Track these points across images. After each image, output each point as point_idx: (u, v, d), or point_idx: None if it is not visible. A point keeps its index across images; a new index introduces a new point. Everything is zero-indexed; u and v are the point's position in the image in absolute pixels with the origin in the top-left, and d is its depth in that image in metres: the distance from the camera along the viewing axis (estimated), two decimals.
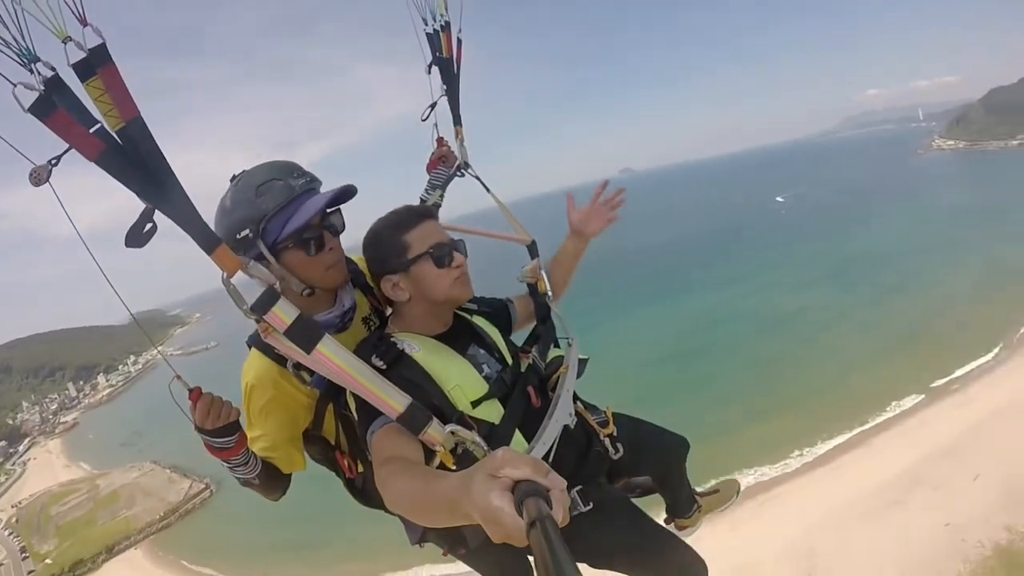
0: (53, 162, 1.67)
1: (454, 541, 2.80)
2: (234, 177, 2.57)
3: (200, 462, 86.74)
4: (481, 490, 1.17)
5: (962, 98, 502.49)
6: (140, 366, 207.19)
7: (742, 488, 4.65)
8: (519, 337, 3.21)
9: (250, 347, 2.78)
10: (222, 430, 2.46)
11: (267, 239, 2.51)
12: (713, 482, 4.43)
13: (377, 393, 2.11)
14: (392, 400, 2.11)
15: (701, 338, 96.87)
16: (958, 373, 76.46)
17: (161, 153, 1.78)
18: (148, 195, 1.81)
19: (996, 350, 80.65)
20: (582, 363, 3.02)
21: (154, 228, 1.89)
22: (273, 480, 2.83)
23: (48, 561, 77.51)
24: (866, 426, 67.99)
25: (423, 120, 3.47)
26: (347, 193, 2.65)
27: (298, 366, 2.49)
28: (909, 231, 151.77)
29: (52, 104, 1.63)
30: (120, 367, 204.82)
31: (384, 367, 2.32)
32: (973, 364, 77.87)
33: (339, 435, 2.93)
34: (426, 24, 3.27)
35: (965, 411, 67.12)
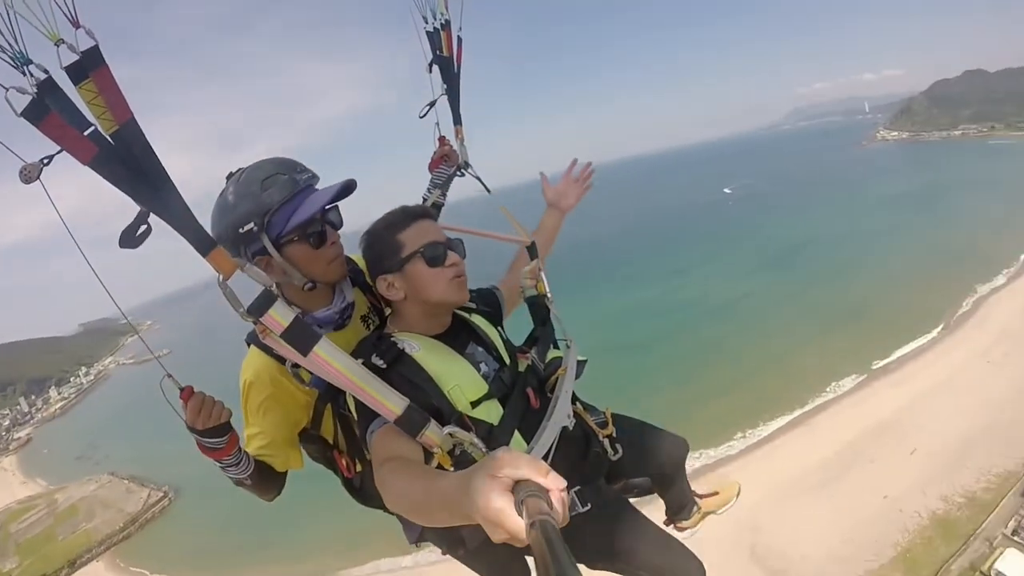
0: (45, 161, 1.67)
1: (452, 541, 2.80)
2: (231, 174, 2.59)
3: (157, 471, 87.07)
4: (481, 490, 1.17)
5: (907, 90, 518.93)
6: (92, 377, 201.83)
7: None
8: (517, 336, 3.21)
9: (248, 345, 2.79)
10: (214, 430, 2.46)
11: (271, 232, 2.53)
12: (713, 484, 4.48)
13: (374, 396, 2.12)
14: (390, 403, 2.12)
15: (647, 326, 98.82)
16: (896, 353, 79.94)
17: (155, 156, 1.80)
18: (142, 198, 1.81)
19: (933, 331, 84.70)
20: (580, 365, 3.07)
21: (148, 230, 1.89)
22: (267, 480, 2.82)
23: None
24: (807, 407, 70.59)
25: (421, 117, 3.48)
26: (349, 188, 2.67)
27: (296, 365, 2.49)
28: (850, 219, 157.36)
29: (45, 108, 1.63)
30: (72, 379, 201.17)
31: (384, 366, 2.34)
32: (911, 344, 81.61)
33: (337, 434, 2.93)
34: (426, 22, 3.29)
35: (902, 389, 70.43)
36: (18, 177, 1.64)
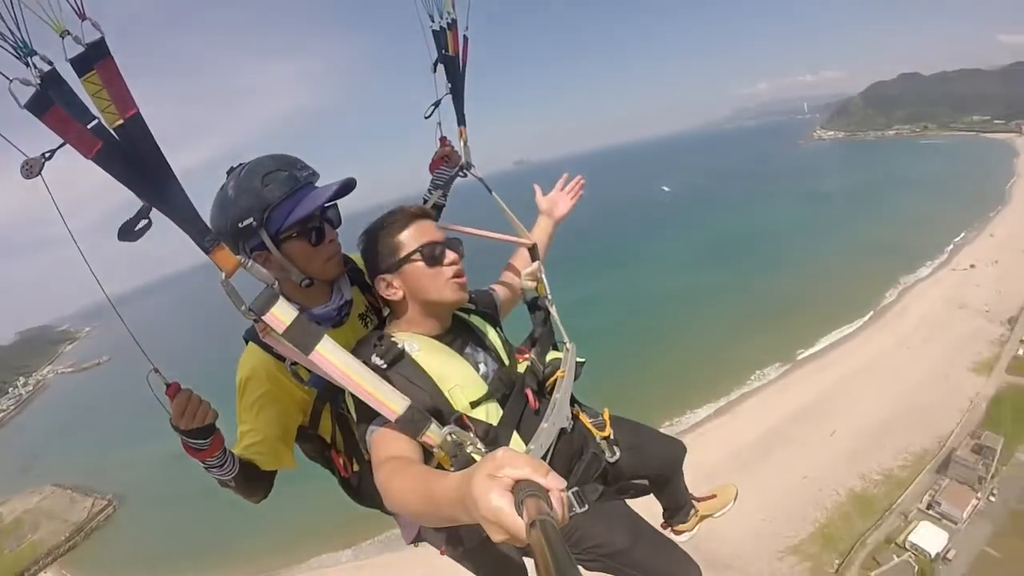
0: (47, 155, 1.70)
1: (450, 540, 2.83)
2: (232, 169, 2.65)
3: (100, 480, 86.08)
4: (481, 490, 1.19)
5: (845, 92, 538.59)
6: (31, 387, 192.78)
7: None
8: (517, 336, 3.24)
9: (247, 341, 2.82)
10: (199, 431, 2.44)
11: (270, 228, 2.58)
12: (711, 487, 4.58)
13: (376, 395, 2.13)
14: (391, 402, 2.13)
15: (585, 320, 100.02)
16: (821, 342, 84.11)
17: (160, 151, 1.82)
18: (146, 194, 1.84)
19: (857, 320, 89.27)
20: (579, 366, 3.12)
21: (149, 225, 1.91)
22: (253, 481, 2.78)
23: None
24: (732, 395, 73.60)
25: (426, 118, 3.49)
26: (348, 187, 2.70)
27: (295, 364, 2.55)
28: (785, 214, 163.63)
29: (49, 100, 1.64)
30: (10, 390, 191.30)
31: (384, 366, 2.36)
32: (835, 334, 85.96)
33: (335, 434, 2.93)
34: (432, 21, 3.29)
35: (825, 375, 74.19)
36: (20, 171, 1.70)
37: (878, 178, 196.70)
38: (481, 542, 2.67)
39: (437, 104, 3.43)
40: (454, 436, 2.16)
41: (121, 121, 1.73)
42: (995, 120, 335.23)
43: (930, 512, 51.94)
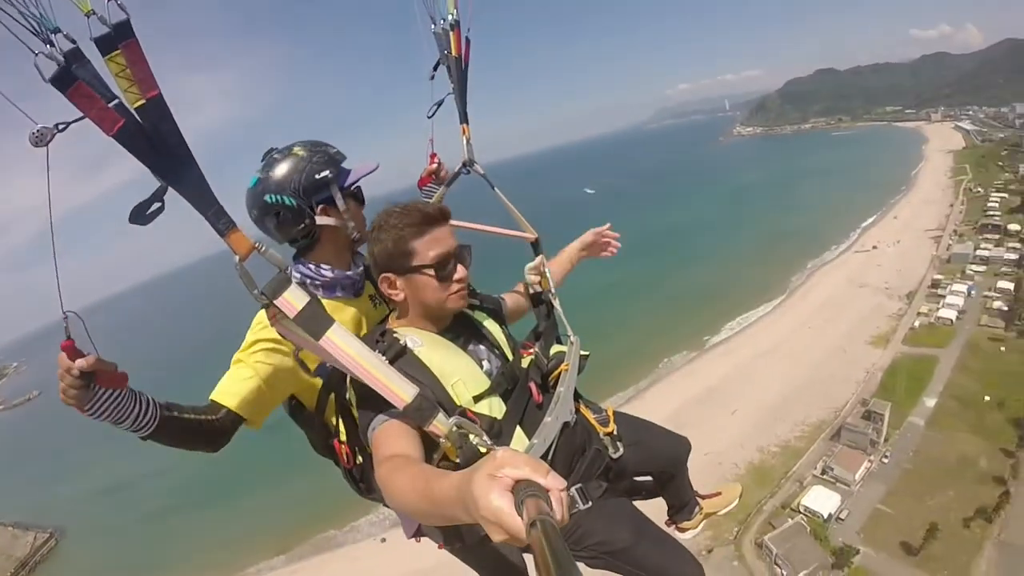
0: (60, 127, 1.71)
1: (450, 535, 2.82)
2: (271, 150, 2.87)
3: (39, 515, 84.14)
4: (481, 490, 1.20)
5: (765, 89, 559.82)
6: None
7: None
8: (520, 333, 3.24)
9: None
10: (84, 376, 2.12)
11: (340, 183, 2.87)
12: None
13: (385, 382, 2.14)
14: (400, 390, 2.14)
15: None
16: (728, 327, 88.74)
17: (180, 133, 1.87)
18: (165, 173, 1.87)
19: (764, 305, 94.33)
20: (583, 360, 3.13)
21: (161, 209, 1.94)
22: (192, 434, 2.54)
23: None
24: (640, 384, 76.75)
25: (429, 117, 3.55)
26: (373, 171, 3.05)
27: (301, 351, 2.63)
28: (702, 209, 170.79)
29: (73, 76, 1.67)
30: None
31: (389, 360, 2.34)
32: (742, 319, 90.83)
33: (339, 424, 2.93)
34: (434, 23, 3.39)
35: (729, 359, 78.22)
36: (28, 139, 1.70)
37: (791, 170, 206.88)
38: (482, 538, 2.57)
39: (439, 104, 3.53)
40: (460, 427, 2.19)
41: (143, 101, 1.80)
42: (906, 110, 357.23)
43: (824, 477, 55.59)
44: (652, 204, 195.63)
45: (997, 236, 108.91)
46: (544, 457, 2.45)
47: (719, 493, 4.25)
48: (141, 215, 1.91)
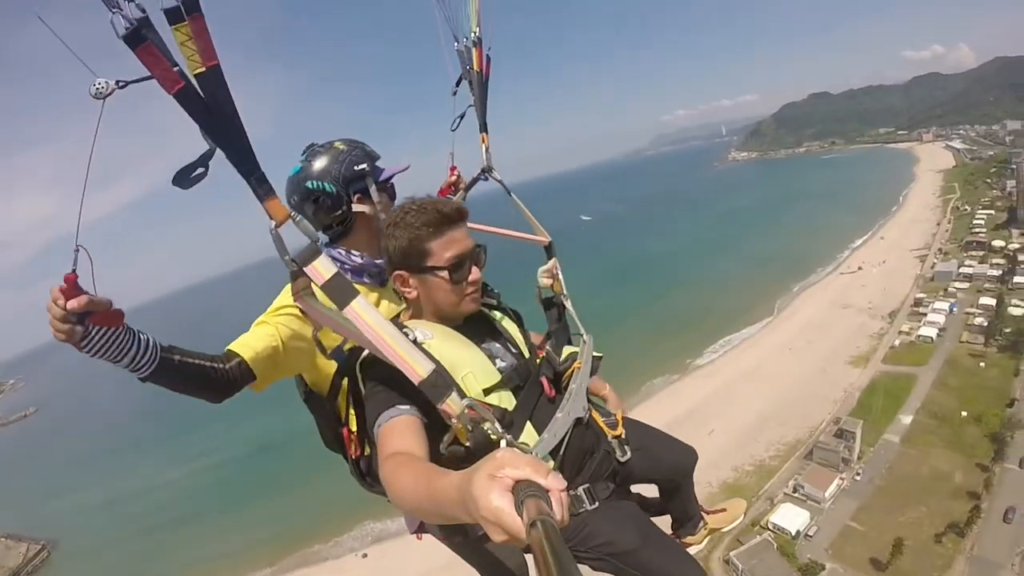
0: (120, 83, 1.82)
1: (453, 531, 2.83)
2: (312, 144, 3.11)
3: (32, 526, 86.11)
4: (481, 490, 1.20)
5: (761, 114, 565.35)
6: None
7: None
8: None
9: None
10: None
11: (375, 177, 3.09)
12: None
13: (403, 356, 2.14)
14: (417, 364, 2.13)
15: None
16: (711, 350, 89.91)
17: (233, 102, 1.95)
18: (216, 136, 1.97)
19: (748, 328, 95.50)
20: (596, 360, 3.14)
21: (204, 175, 2.06)
22: (196, 379, 2.53)
23: None
24: (635, 408, 75.82)
25: (453, 130, 3.69)
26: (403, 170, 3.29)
27: (319, 331, 2.68)
28: (692, 234, 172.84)
29: (143, 36, 1.76)
30: None
31: None
32: (725, 341, 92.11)
33: (349, 412, 2.94)
34: (457, 41, 3.56)
35: (710, 381, 79.18)
36: (88, 90, 1.77)
37: (782, 193, 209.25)
38: (482, 536, 2.60)
39: (462, 116, 3.66)
40: (472, 410, 2.17)
41: (203, 69, 1.87)
42: (899, 131, 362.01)
43: (795, 495, 56.38)
44: (644, 230, 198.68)
45: (981, 253, 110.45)
46: (555, 453, 2.50)
47: (724, 509, 4.16)
48: (184, 178, 2.05)
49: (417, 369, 2.11)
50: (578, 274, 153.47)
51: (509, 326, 2.90)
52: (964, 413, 63.71)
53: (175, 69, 1.83)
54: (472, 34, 3.56)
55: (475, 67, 3.59)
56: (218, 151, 2.00)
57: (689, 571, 2.81)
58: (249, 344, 2.68)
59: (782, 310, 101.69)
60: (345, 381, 2.87)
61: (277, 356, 2.74)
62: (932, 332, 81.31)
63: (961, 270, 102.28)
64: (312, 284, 2.27)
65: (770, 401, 71.18)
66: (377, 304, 3.00)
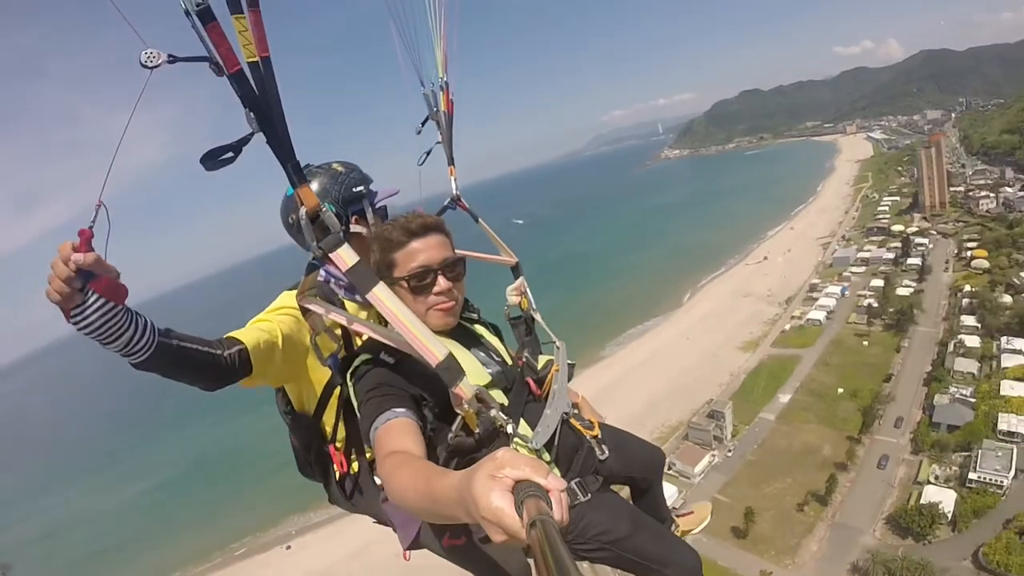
0: (171, 58, 1.86)
1: (455, 532, 2.77)
2: (308, 165, 3.06)
3: None
4: (482, 490, 1.20)
5: (696, 112, 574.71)
6: None
7: None
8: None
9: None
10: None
11: (370, 199, 3.17)
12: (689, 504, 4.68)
13: (422, 339, 2.21)
14: (434, 348, 2.21)
15: None
16: (612, 343, 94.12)
17: (278, 92, 2.09)
18: (261, 121, 2.04)
19: (650, 320, 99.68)
20: (570, 367, 3.21)
21: (232, 159, 2.12)
22: (192, 366, 2.38)
23: None
24: None
25: (420, 165, 3.84)
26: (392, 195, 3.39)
27: (316, 337, 2.70)
28: (610, 232, 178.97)
29: (212, 16, 1.87)
30: None
31: (392, 362, 2.43)
32: (625, 334, 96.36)
33: (337, 426, 2.97)
34: (423, 85, 3.70)
35: (607, 371, 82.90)
36: (139, 58, 1.81)
37: (706, 189, 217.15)
38: (483, 539, 2.64)
39: (428, 153, 3.79)
40: (480, 398, 2.26)
41: (256, 59, 2.02)
42: (825, 124, 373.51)
43: (669, 472, 58.09)
44: (569, 230, 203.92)
45: (881, 238, 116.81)
46: (549, 446, 2.55)
47: (692, 512, 4.30)
48: (212, 159, 2.07)
49: (435, 352, 2.21)
50: (504, 277, 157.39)
51: (491, 338, 3.01)
52: (840, 390, 67.76)
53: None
54: (439, 78, 3.78)
55: (443, 108, 3.81)
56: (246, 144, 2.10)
57: (682, 553, 2.96)
58: (249, 335, 2.62)
59: (688, 301, 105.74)
60: (336, 393, 2.96)
61: (275, 352, 2.71)
62: (821, 315, 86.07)
63: (859, 255, 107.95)
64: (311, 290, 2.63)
65: (661, 387, 74.78)
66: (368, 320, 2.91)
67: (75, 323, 1.96)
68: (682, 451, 61.87)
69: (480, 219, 3.79)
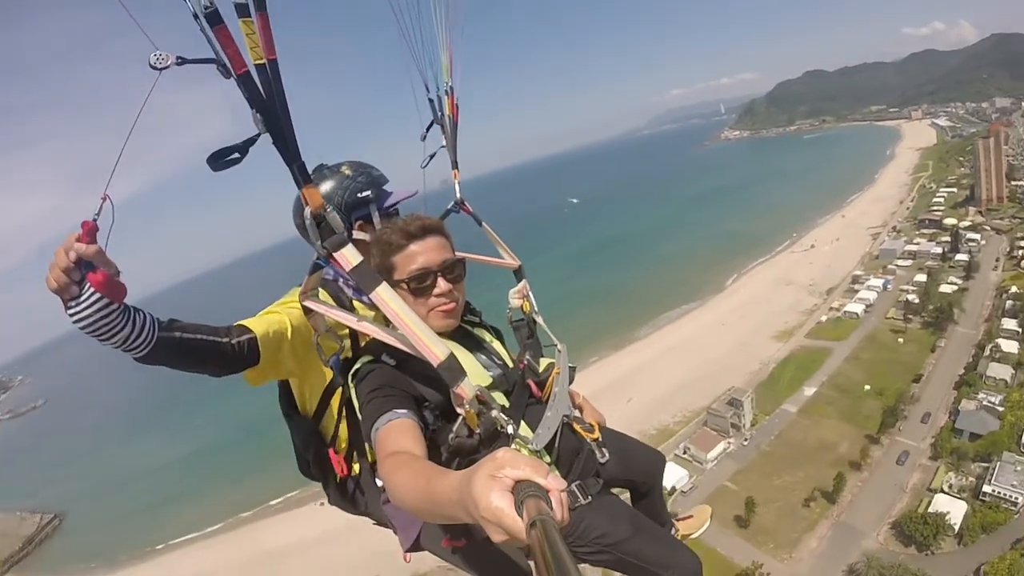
0: (179, 60, 1.87)
1: (456, 532, 2.72)
2: (322, 166, 3.14)
3: (46, 501, 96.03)
4: (482, 490, 1.20)
5: (758, 92, 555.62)
6: None
7: None
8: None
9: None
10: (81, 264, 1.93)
11: (380, 203, 3.16)
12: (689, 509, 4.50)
13: (424, 339, 2.18)
14: (436, 347, 2.18)
15: None
16: (649, 326, 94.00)
17: (285, 94, 2.07)
18: (268, 122, 2.04)
19: (692, 303, 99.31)
20: (571, 371, 3.15)
21: (239, 160, 2.14)
22: (197, 356, 2.42)
23: None
24: None
25: (423, 167, 3.84)
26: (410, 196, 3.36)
27: (320, 336, 2.71)
28: (661, 215, 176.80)
29: (220, 18, 1.88)
30: None
31: (394, 364, 2.44)
32: (663, 318, 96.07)
33: (338, 429, 2.97)
34: (428, 90, 3.73)
35: (640, 354, 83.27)
36: (149, 60, 1.84)
37: (762, 172, 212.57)
38: (484, 540, 2.54)
39: (432, 156, 3.77)
40: (480, 398, 2.22)
41: (263, 61, 1.99)
42: (890, 108, 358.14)
43: (684, 456, 60.34)
44: (621, 210, 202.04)
45: (932, 231, 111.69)
46: (550, 448, 2.53)
47: (691, 516, 4.24)
48: (218, 160, 2.10)
49: (436, 352, 2.18)
50: (554, 256, 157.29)
51: (492, 341, 2.99)
52: (867, 387, 66.09)
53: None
54: (444, 83, 3.75)
55: (448, 112, 3.78)
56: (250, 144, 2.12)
57: (683, 556, 2.91)
58: (259, 324, 2.62)
59: (729, 287, 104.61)
60: (337, 394, 2.96)
61: (283, 343, 2.71)
62: (859, 308, 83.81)
63: (907, 247, 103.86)
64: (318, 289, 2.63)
65: (689, 372, 74.57)
66: (378, 320, 2.82)
67: (70, 316, 1.98)
68: (697, 436, 62.16)
69: (483, 222, 3.76)
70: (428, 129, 3.77)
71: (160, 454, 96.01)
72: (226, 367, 2.51)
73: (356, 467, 2.99)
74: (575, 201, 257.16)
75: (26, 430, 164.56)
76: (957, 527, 46.79)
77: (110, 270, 1.95)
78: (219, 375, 2.52)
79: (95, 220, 1.92)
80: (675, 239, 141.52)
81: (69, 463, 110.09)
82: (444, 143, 3.79)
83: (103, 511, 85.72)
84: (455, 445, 2.31)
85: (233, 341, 2.46)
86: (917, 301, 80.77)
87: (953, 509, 47.67)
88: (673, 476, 56.62)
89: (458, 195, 3.71)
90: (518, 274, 3.58)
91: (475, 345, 2.81)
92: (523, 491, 1.14)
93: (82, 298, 1.92)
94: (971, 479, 51.63)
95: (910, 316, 78.78)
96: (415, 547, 2.91)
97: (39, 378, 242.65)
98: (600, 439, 2.94)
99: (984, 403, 58.92)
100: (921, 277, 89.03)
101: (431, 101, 3.72)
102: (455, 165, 3.81)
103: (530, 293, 3.51)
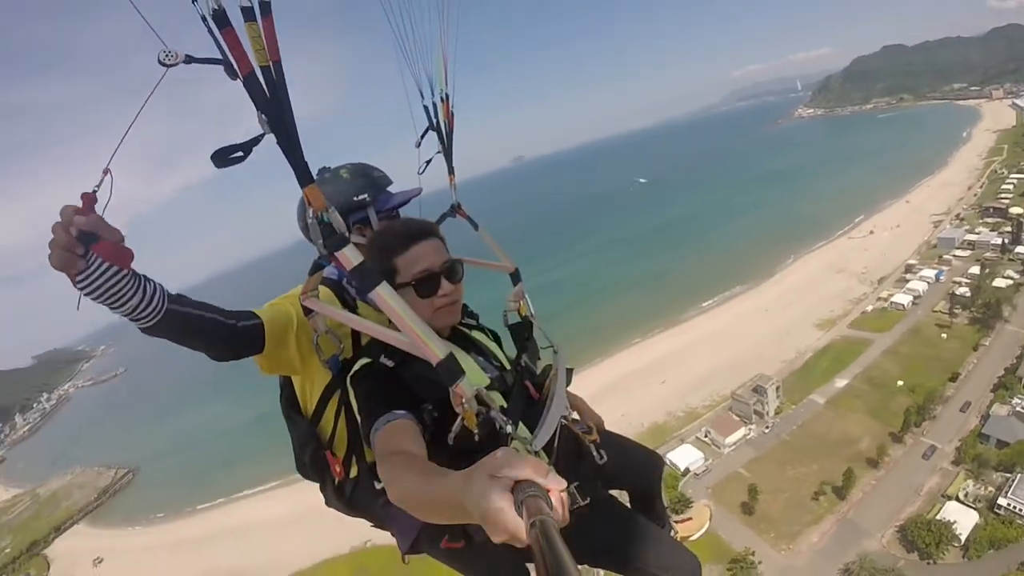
0: (188, 58, 1.87)
1: (455, 534, 2.69)
2: (324, 168, 3.16)
3: (122, 457, 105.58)
4: (482, 490, 1.19)
5: (835, 68, 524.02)
6: (54, 401, 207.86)
7: None
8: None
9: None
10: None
11: (377, 206, 3.13)
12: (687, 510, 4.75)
13: (424, 338, 2.12)
14: (435, 347, 2.11)
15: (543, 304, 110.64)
16: (703, 305, 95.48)
17: (288, 95, 2.05)
18: (272, 122, 2.01)
19: (738, 287, 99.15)
20: (568, 372, 3.10)
21: (242, 158, 2.09)
22: (202, 333, 2.41)
23: (7, 550, 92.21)
24: (594, 361, 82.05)
25: (420, 174, 3.76)
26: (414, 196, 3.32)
27: (318, 339, 2.73)
28: (724, 196, 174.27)
29: (227, 20, 1.87)
30: (35, 405, 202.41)
31: (392, 365, 2.46)
32: (713, 300, 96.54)
33: (335, 432, 2.95)
34: (423, 96, 3.64)
35: (680, 337, 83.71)
36: (157, 57, 1.83)
37: (832, 153, 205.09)
38: (483, 541, 2.49)
39: (428, 162, 3.76)
40: (480, 397, 2.12)
41: (268, 63, 1.98)
42: (971, 87, 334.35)
43: (705, 439, 60.86)
44: (685, 191, 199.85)
45: (996, 220, 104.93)
46: (548, 449, 2.49)
47: (690, 518, 4.29)
48: (222, 157, 2.05)
49: (436, 351, 2.12)
50: (612, 236, 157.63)
51: (489, 344, 2.99)
52: (900, 382, 63.77)
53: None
54: (440, 90, 3.68)
55: (443, 118, 3.72)
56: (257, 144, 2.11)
57: (682, 558, 2.96)
58: (267, 312, 2.63)
59: (781, 271, 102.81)
60: (336, 395, 2.94)
61: (289, 334, 2.70)
62: (907, 300, 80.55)
63: (966, 237, 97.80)
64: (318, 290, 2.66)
65: (725, 358, 74.25)
66: (380, 321, 2.66)
67: (80, 287, 1.95)
68: (717, 420, 62.39)
69: (480, 227, 3.81)
70: (423, 136, 3.70)
71: (229, 418, 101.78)
72: (229, 351, 2.53)
73: (354, 470, 2.95)
74: (643, 181, 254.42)
75: (106, 396, 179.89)
76: (964, 538, 44.28)
77: (114, 237, 1.97)
78: (222, 358, 2.53)
79: (94, 191, 1.92)
80: (735, 221, 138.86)
81: (144, 425, 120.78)
82: (440, 149, 3.76)
83: (174, 468, 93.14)
84: (454, 446, 2.27)
85: (240, 324, 2.49)
86: (968, 295, 76.00)
87: (963, 519, 45.52)
88: (689, 457, 57.36)
89: (454, 199, 3.77)
90: (514, 277, 3.62)
91: (473, 347, 2.86)
92: (523, 491, 1.13)
93: (90, 269, 1.93)
94: (990, 489, 48.55)
95: (956, 310, 74.32)
96: (414, 549, 2.88)
97: (121, 348, 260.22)
98: (598, 441, 2.95)
99: (1017, 408, 54.84)
100: (976, 269, 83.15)
101: (426, 108, 3.66)
102: (451, 170, 3.86)
103: (526, 296, 3.56)
